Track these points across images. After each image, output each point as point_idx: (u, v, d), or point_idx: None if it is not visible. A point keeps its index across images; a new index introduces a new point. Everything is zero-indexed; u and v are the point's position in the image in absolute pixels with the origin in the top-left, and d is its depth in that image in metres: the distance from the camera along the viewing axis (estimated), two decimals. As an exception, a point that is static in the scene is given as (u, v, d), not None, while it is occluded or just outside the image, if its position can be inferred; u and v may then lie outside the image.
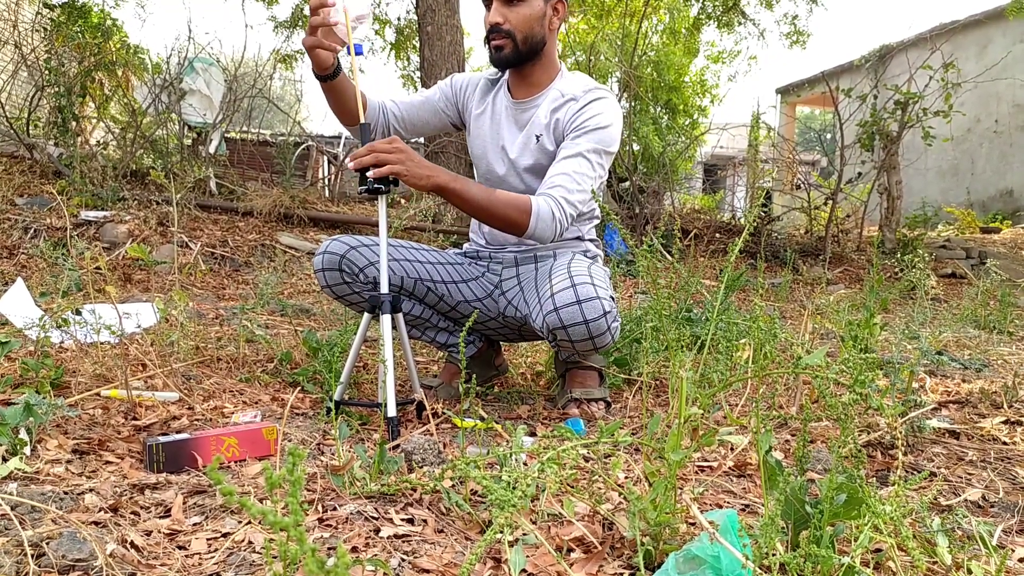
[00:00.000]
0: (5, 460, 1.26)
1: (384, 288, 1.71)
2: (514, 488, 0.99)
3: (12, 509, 1.05)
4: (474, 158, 2.10)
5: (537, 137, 1.94)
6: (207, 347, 2.25)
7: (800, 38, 9.59)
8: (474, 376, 1.40)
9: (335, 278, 1.92)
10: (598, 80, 2.82)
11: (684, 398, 1.12)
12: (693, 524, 1.12)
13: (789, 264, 4.95)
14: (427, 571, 1.00)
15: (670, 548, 1.00)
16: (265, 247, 5.04)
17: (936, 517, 1.12)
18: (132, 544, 1.02)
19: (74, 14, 6.55)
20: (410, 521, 1.16)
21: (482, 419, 1.48)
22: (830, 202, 6.72)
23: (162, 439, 1.38)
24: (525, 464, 1.41)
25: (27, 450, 1.32)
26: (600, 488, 1.26)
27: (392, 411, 1.60)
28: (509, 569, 0.98)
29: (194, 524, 1.12)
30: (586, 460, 1.27)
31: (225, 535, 1.08)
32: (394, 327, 1.71)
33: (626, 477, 1.39)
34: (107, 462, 1.38)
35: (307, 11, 1.75)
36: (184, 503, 1.19)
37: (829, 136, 9.42)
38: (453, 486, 1.27)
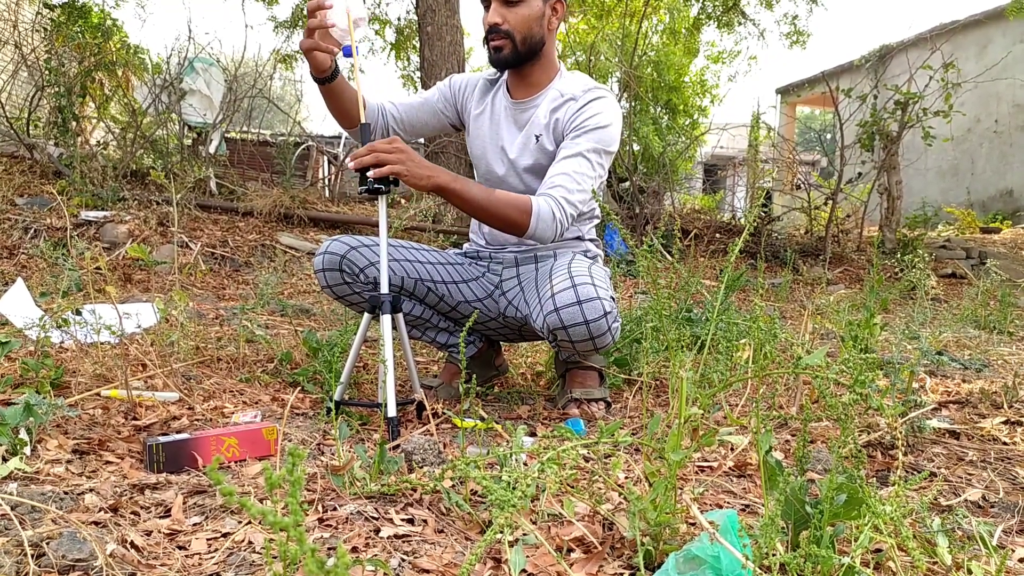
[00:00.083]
0: (5, 460, 1.26)
1: (384, 288, 1.71)
2: (514, 488, 0.99)
3: (12, 509, 1.05)
4: (473, 158, 2.10)
5: (536, 137, 1.94)
6: (207, 347, 2.26)
7: (800, 38, 9.60)
8: (474, 376, 1.40)
9: (335, 278, 1.92)
10: (598, 80, 2.82)
11: (684, 398, 1.12)
12: (693, 524, 1.12)
13: (789, 264, 4.95)
14: (427, 571, 1.00)
15: (670, 548, 1.00)
16: (265, 247, 5.04)
17: (936, 517, 1.12)
18: (132, 544, 1.02)
19: (74, 14, 6.56)
20: (410, 521, 1.16)
21: (482, 419, 1.48)
22: (830, 202, 6.73)
23: (162, 439, 1.38)
24: (525, 464, 1.41)
25: (27, 450, 1.32)
26: (600, 488, 1.26)
27: (392, 411, 1.60)
28: (509, 569, 0.98)
29: (194, 524, 1.12)
30: (586, 460, 1.27)
31: (225, 535, 1.08)
32: (394, 327, 1.71)
33: (626, 477, 1.39)
34: (107, 462, 1.38)
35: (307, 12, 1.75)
36: (184, 503, 1.19)
37: (829, 136, 9.41)
38: (453, 486, 1.27)
